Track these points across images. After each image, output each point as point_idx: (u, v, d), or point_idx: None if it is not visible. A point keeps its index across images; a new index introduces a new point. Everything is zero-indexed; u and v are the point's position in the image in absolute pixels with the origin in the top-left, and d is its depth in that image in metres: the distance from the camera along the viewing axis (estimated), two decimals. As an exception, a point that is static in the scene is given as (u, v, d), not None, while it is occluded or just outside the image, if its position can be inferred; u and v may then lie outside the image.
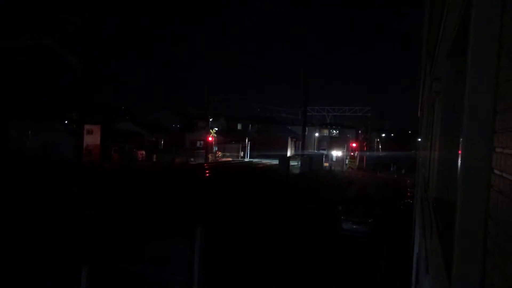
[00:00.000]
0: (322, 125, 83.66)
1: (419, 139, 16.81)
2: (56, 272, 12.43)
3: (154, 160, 43.11)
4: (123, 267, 10.98)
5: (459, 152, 2.08)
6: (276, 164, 50.36)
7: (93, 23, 20.97)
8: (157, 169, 41.52)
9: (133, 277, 10.63)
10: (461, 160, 1.99)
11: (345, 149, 63.29)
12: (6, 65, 39.75)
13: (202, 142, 65.47)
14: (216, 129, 67.17)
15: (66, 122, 45.22)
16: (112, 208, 22.44)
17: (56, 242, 15.66)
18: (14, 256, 13.96)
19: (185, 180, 37.43)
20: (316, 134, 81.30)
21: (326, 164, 56.35)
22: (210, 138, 60.26)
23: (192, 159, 57.74)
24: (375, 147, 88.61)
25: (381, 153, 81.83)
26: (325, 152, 61.42)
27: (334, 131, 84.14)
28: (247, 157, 67.83)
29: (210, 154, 59.85)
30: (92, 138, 48.00)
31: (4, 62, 37.09)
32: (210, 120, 61.76)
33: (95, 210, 21.51)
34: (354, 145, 65.15)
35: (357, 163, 61.24)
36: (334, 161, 59.53)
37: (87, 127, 35.24)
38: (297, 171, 50.00)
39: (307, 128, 59.16)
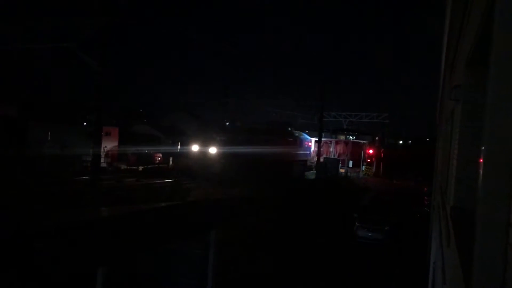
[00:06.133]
0: (338, 130, 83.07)
1: (437, 147, 16.59)
2: (70, 274, 12.56)
3: (171, 163, 43.65)
4: (136, 270, 11.03)
5: (480, 160, 2.05)
6: (291, 169, 50.18)
7: (114, 26, 21.32)
8: (173, 170, 41.89)
9: (146, 280, 10.67)
10: (482, 169, 1.96)
11: (362, 155, 62.74)
12: (27, 66, 40.55)
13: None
14: (232, 132, 67.16)
15: (85, 123, 45.88)
16: (127, 210, 22.62)
17: (71, 244, 15.84)
18: (25, 258, 14.17)
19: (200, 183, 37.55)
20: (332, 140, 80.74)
21: (342, 170, 55.94)
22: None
23: (208, 162, 57.90)
24: (392, 154, 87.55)
25: (398, 160, 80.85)
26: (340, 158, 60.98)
27: (351, 137, 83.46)
28: (262, 161, 67.66)
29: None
30: (110, 140, 48.67)
31: (25, 63, 37.84)
32: (226, 124, 61.91)
33: (110, 212, 21.71)
34: (370, 151, 64.54)
35: (373, 170, 60.68)
36: (350, 167, 59.06)
37: (105, 129, 35.70)
38: (312, 176, 49.74)
39: (323, 134, 58.83)
